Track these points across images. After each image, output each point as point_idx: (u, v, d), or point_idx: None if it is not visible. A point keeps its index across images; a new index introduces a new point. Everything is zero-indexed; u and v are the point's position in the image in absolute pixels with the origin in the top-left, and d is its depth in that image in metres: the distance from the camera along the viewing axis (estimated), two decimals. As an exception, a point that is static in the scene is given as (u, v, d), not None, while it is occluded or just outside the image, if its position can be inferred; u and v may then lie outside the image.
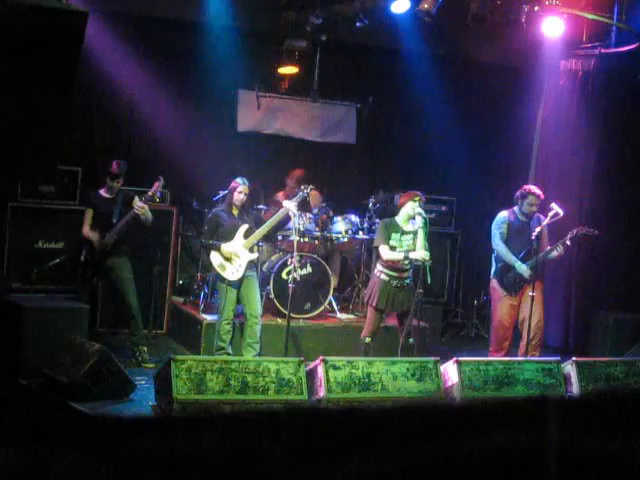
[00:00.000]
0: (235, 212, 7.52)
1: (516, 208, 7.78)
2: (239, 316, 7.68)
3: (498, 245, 7.78)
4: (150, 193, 7.49)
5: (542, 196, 7.72)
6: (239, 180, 7.50)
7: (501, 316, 7.83)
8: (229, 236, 7.43)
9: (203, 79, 8.99)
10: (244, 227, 7.42)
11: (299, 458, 1.32)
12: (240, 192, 7.45)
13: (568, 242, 7.62)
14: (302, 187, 7.75)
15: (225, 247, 7.41)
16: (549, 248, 7.67)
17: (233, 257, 7.39)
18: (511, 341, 7.86)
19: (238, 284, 7.42)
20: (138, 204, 7.42)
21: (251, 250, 7.46)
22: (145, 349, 7.60)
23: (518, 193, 7.77)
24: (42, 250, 8.36)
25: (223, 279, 7.40)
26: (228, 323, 7.42)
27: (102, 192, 7.60)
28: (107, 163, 7.57)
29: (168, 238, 8.88)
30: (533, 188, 7.79)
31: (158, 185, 7.52)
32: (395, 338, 7.84)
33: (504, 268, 7.78)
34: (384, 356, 7.19)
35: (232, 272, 7.39)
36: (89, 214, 7.59)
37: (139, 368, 7.33)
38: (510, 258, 7.70)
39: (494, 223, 7.86)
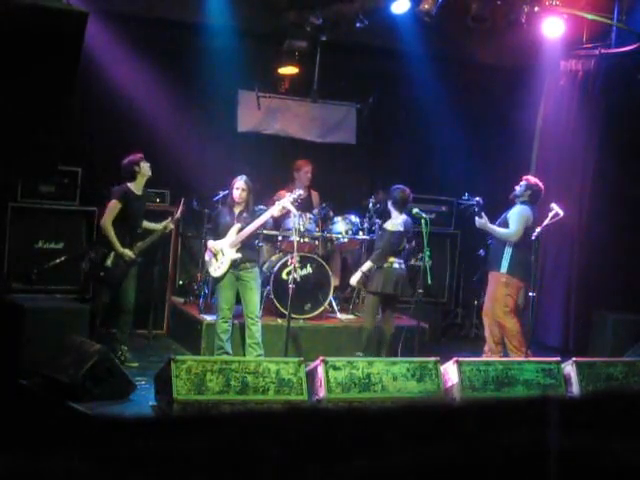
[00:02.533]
0: (236, 210, 7.52)
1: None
2: (238, 317, 7.69)
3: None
4: (178, 215, 7.85)
5: (528, 178, 7.91)
6: (238, 177, 7.52)
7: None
8: (224, 234, 7.47)
9: (203, 79, 8.98)
10: (236, 226, 7.42)
11: (299, 458, 1.32)
12: (237, 188, 7.45)
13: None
14: (292, 195, 7.69)
15: (211, 243, 7.52)
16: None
17: (219, 254, 7.44)
18: (491, 337, 7.88)
19: (225, 281, 7.42)
20: (170, 226, 7.77)
21: (237, 250, 7.42)
22: (126, 348, 7.52)
23: None
24: (42, 250, 8.36)
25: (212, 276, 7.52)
26: (225, 322, 7.42)
27: (132, 187, 7.48)
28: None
29: (168, 238, 8.88)
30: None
31: (181, 204, 7.78)
32: (396, 338, 7.87)
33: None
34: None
35: (214, 269, 7.47)
36: (116, 207, 7.34)
37: (139, 368, 7.32)
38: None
39: None
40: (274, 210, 7.49)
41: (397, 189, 7.65)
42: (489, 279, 7.85)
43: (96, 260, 7.40)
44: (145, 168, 7.49)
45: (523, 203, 7.79)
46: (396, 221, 7.61)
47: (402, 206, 7.62)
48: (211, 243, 7.51)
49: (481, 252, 8.03)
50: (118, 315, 7.55)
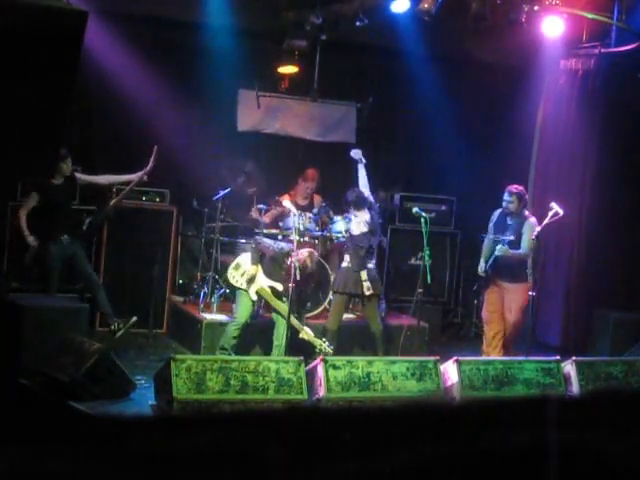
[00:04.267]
0: (280, 265, 7.50)
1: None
2: (256, 317, 7.69)
3: (484, 244, 7.96)
4: (151, 165, 7.68)
5: (513, 190, 7.71)
6: (305, 253, 7.42)
7: (485, 310, 7.99)
8: (266, 270, 7.47)
9: (203, 79, 8.98)
10: (276, 284, 7.42)
11: (299, 457, 1.32)
12: (300, 259, 7.34)
13: (500, 246, 7.60)
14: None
15: (254, 271, 7.45)
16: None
17: (252, 279, 7.43)
18: (499, 336, 7.78)
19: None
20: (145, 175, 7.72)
21: (256, 295, 7.44)
22: (119, 321, 7.72)
23: None
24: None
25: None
26: (238, 328, 7.33)
27: (51, 180, 7.61)
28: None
29: (168, 238, 8.88)
30: (510, 186, 7.79)
31: (154, 153, 7.70)
32: (397, 337, 7.87)
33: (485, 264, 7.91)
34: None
35: (236, 279, 7.46)
36: (32, 199, 7.60)
37: (139, 368, 7.32)
38: (482, 252, 7.88)
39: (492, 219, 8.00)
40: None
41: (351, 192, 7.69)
42: (515, 290, 7.68)
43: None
44: (60, 168, 7.54)
45: (527, 215, 7.76)
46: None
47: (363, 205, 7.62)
48: (255, 271, 7.45)
49: (483, 268, 7.77)
50: (93, 295, 7.78)
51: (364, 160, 7.87)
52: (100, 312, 7.84)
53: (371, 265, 7.60)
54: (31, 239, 7.58)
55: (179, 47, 8.83)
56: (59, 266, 7.66)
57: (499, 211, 7.89)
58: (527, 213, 7.84)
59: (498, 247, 7.55)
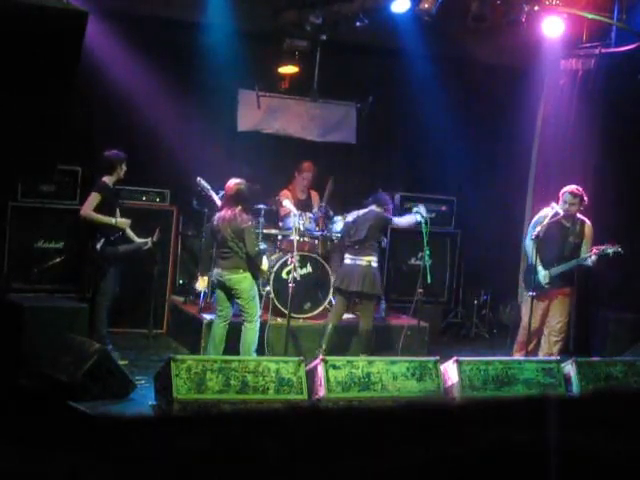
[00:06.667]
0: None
1: (559, 208, 7.63)
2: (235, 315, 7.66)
3: (527, 246, 7.72)
4: (155, 239, 7.74)
5: (577, 192, 7.51)
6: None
7: (525, 316, 7.78)
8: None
9: (203, 79, 8.99)
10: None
11: (299, 458, 1.32)
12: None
13: (594, 257, 7.50)
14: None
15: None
16: (582, 257, 7.59)
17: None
18: (535, 343, 7.72)
19: None
20: (149, 244, 7.71)
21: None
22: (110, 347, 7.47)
23: (560, 193, 7.63)
24: (42, 250, 8.36)
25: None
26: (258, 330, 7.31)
27: (107, 181, 7.54)
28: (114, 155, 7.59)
29: (168, 238, 8.88)
30: (571, 187, 7.57)
31: (158, 231, 7.81)
32: (396, 337, 7.87)
33: (530, 268, 7.71)
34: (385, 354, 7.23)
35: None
36: (96, 199, 7.39)
37: (139, 368, 7.32)
38: (534, 261, 7.59)
39: (533, 221, 7.73)
40: None
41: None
42: (563, 294, 7.71)
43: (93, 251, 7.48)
44: (123, 170, 7.58)
45: (584, 218, 7.66)
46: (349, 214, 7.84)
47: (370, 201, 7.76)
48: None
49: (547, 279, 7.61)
50: (96, 316, 7.51)
51: (423, 220, 7.79)
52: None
53: (362, 262, 7.58)
54: (124, 221, 7.51)
55: (179, 47, 8.83)
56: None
57: (549, 214, 7.53)
58: (581, 215, 7.66)
59: (592, 259, 7.44)
